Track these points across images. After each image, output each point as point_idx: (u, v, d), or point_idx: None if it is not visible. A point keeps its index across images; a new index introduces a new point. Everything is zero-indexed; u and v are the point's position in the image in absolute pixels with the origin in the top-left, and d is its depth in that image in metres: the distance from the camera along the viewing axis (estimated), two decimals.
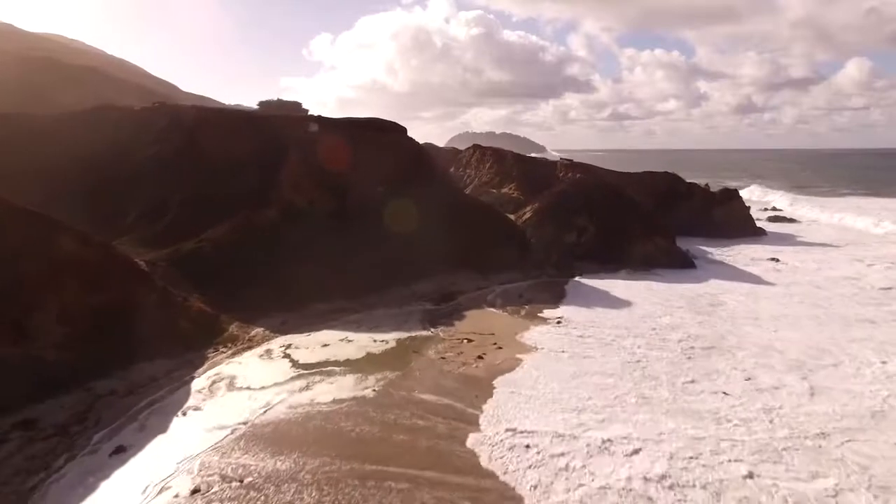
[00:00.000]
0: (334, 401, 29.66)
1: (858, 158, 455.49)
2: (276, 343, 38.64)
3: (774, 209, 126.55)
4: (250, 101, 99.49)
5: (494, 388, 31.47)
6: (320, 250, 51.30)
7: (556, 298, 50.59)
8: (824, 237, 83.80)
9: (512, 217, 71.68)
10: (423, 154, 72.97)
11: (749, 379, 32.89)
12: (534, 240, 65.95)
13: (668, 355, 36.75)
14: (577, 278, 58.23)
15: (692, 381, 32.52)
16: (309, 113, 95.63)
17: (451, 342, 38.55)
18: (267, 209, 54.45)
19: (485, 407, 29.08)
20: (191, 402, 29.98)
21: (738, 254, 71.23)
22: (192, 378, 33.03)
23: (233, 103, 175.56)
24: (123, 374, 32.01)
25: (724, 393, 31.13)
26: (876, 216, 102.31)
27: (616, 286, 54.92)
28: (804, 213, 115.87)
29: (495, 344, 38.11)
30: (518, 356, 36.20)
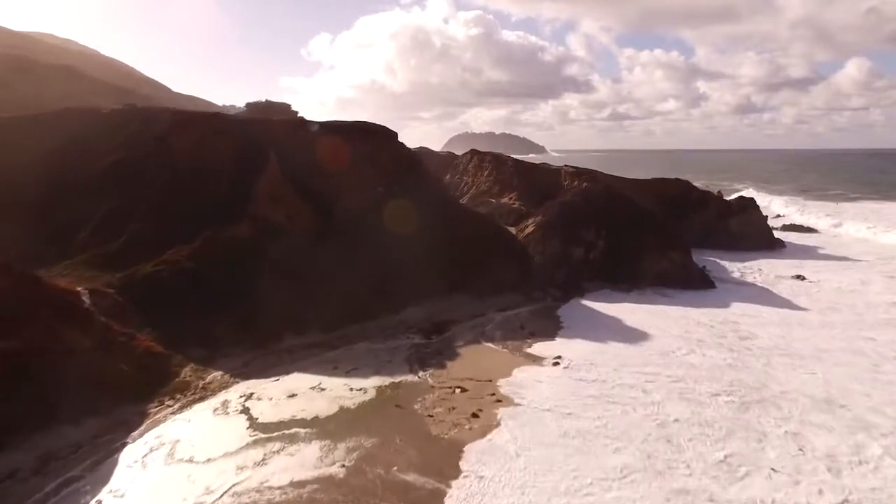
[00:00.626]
0: (292, 483, 23.67)
1: (858, 158, 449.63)
2: (236, 392, 32.67)
3: (786, 216, 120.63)
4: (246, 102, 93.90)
5: (462, 470, 24.75)
6: (297, 272, 45.34)
7: (559, 329, 44.66)
8: (849, 250, 77.54)
9: (513, 230, 65.73)
10: (416, 161, 66.96)
11: (802, 448, 26.84)
12: (537, 256, 59.96)
13: (694, 411, 30.35)
14: (584, 301, 52.36)
15: (730, 455, 26.03)
16: (299, 115, 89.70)
17: (442, 392, 32.50)
18: (239, 225, 48.41)
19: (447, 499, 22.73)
20: (113, 482, 24.05)
21: (760, 270, 65.20)
22: (125, 444, 27.11)
23: (227, 104, 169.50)
24: (36, 442, 25.99)
25: (773, 469, 25.06)
26: (890, 222, 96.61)
27: (628, 311, 49.02)
28: (818, 221, 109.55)
29: (493, 395, 31.98)
30: (498, 413, 29.86)
